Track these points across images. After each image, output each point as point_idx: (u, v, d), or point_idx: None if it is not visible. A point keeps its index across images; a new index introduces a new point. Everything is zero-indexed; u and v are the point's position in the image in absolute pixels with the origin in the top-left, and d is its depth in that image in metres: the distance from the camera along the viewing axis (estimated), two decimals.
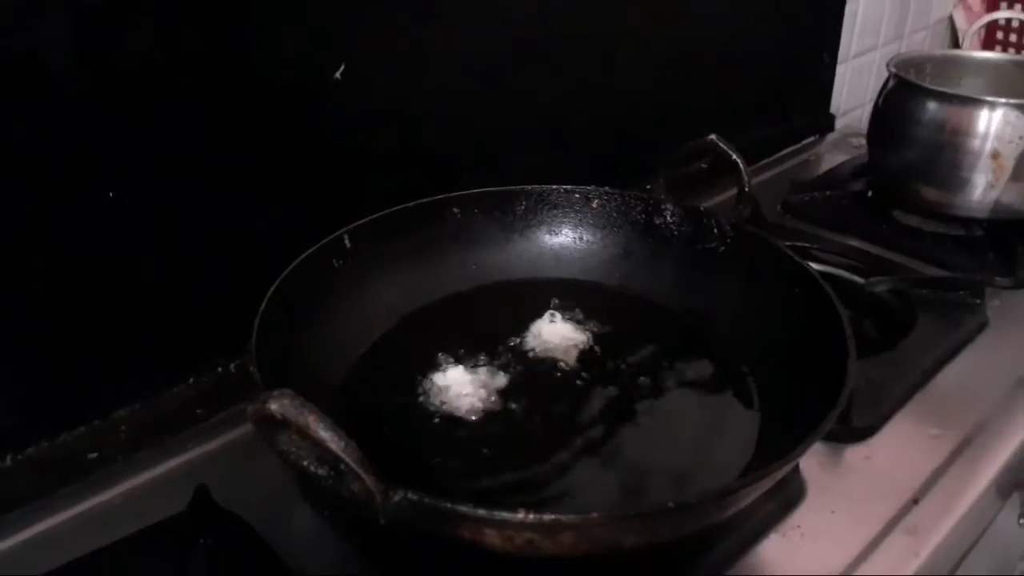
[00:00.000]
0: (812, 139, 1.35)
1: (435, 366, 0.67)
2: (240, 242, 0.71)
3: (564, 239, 0.79)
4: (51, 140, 0.60)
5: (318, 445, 0.43)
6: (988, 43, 1.62)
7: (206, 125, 0.67)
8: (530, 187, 0.78)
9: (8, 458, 0.63)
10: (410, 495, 0.44)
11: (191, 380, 0.72)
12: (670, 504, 0.43)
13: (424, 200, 0.75)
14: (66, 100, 0.60)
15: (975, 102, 0.93)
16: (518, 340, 0.72)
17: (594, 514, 0.43)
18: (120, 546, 0.58)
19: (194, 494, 0.60)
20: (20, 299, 0.62)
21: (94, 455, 0.68)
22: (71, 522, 0.64)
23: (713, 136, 0.71)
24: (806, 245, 0.96)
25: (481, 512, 0.43)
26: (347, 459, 0.42)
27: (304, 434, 0.42)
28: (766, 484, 0.49)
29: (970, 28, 1.49)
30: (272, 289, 0.61)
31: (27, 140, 0.59)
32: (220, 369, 0.74)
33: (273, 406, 0.41)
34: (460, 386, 0.65)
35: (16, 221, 0.60)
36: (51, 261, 0.63)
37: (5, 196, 0.59)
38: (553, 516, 0.43)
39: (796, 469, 0.65)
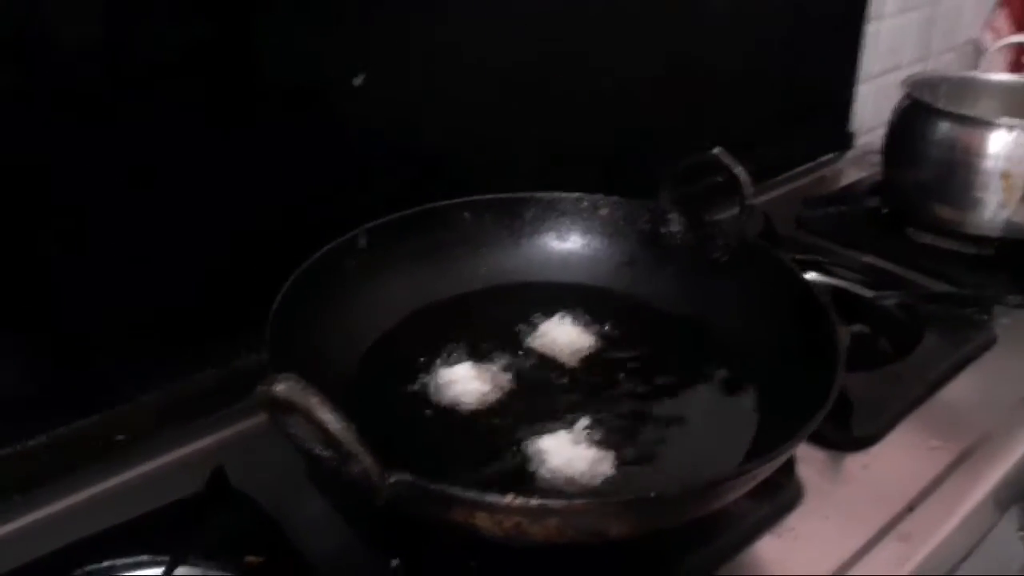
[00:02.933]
0: (830, 156, 1.35)
1: (442, 360, 0.70)
2: (260, 239, 0.74)
3: (572, 245, 0.81)
4: (76, 129, 0.63)
5: (321, 428, 0.46)
6: (1017, 66, 1.62)
7: (233, 127, 0.71)
8: (540, 194, 0.81)
9: (41, 437, 0.67)
10: (406, 477, 0.46)
11: (211, 370, 0.76)
12: (652, 494, 0.45)
13: (437, 204, 0.78)
14: (90, 91, 0.63)
15: (985, 124, 0.94)
16: (525, 340, 0.74)
17: (578, 500, 0.45)
18: (140, 521, 0.61)
19: (211, 475, 0.63)
20: (53, 290, 0.65)
21: (120, 437, 0.71)
22: (95, 498, 0.68)
23: (716, 150, 0.72)
24: (818, 259, 0.97)
25: (471, 495, 0.46)
26: (346, 441, 0.44)
27: (308, 417, 0.45)
28: (747, 481, 0.51)
29: (993, 47, 1.49)
30: (289, 282, 0.64)
31: (51, 127, 0.62)
32: (239, 361, 0.77)
33: (278, 388, 0.44)
34: (466, 381, 0.67)
35: (44, 209, 0.63)
36: (81, 252, 0.66)
37: (34, 184, 0.62)
38: (539, 501, 0.45)
39: (792, 473, 0.67)
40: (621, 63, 0.98)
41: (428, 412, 0.66)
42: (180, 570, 0.57)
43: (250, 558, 0.58)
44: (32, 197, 0.63)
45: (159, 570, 0.56)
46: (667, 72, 1.03)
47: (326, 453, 0.49)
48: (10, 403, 0.66)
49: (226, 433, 0.74)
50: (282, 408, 0.45)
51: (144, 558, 0.58)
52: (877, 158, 1.13)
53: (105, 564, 0.58)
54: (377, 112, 0.79)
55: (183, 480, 0.64)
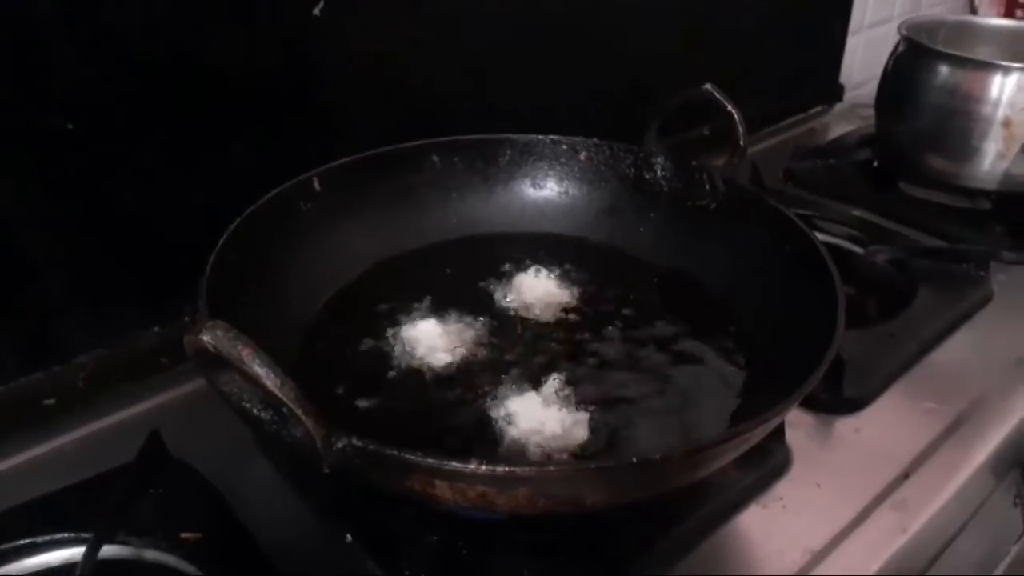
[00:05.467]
0: (819, 109, 1.31)
1: (407, 316, 0.64)
2: (212, 185, 0.68)
3: (549, 192, 0.75)
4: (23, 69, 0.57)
5: (257, 384, 0.40)
6: (1008, 14, 1.57)
7: (179, 62, 0.64)
8: (515, 136, 0.75)
9: None
10: (355, 441, 0.41)
11: (156, 328, 0.70)
12: (633, 459, 0.40)
13: (401, 145, 0.72)
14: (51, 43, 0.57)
15: (987, 66, 0.89)
16: (497, 294, 0.68)
17: (551, 467, 0.40)
18: (63, 495, 0.56)
19: (145, 441, 0.58)
20: None
21: (51, 401, 0.65)
22: (23, 466, 0.63)
23: (708, 85, 0.67)
24: (806, 213, 0.92)
25: (430, 461, 0.40)
26: (284, 398, 0.39)
27: (240, 371, 0.39)
28: (736, 447, 0.46)
29: None
30: (232, 227, 0.58)
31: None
32: (187, 318, 0.71)
33: (205, 337, 0.38)
34: (431, 338, 0.62)
35: None
36: (16, 201, 0.60)
37: None
38: (506, 467, 0.40)
39: (781, 439, 0.62)
40: (612, 12, 0.92)
41: (390, 372, 0.60)
42: (108, 548, 0.52)
43: (186, 534, 0.53)
44: None
45: (82, 548, 0.50)
46: (652, 21, 0.97)
47: (264, 414, 0.43)
48: None
49: (167, 397, 0.69)
50: (212, 360, 0.39)
51: (67, 535, 0.53)
52: (867, 112, 1.08)
53: (22, 543, 0.53)
54: (342, 47, 0.72)
55: (118, 449, 0.58)
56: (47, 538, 0.53)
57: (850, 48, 1.35)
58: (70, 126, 0.61)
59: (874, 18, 1.39)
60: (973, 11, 1.56)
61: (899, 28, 0.98)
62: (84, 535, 0.52)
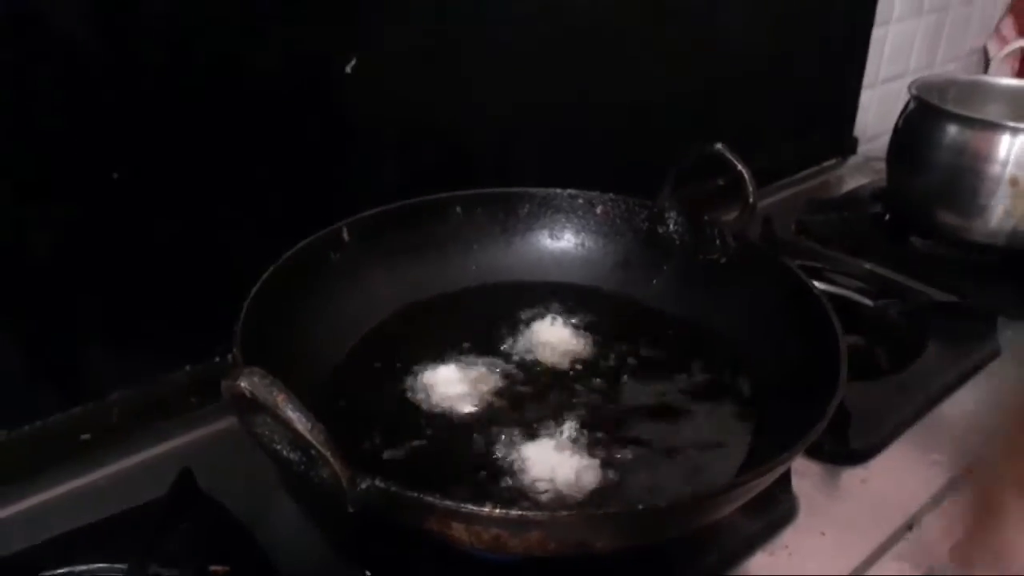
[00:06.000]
0: (833, 161, 1.33)
1: (426, 362, 0.67)
2: (243, 234, 0.71)
3: (566, 244, 0.79)
4: (60, 116, 0.61)
5: (288, 427, 0.43)
6: (1022, 73, 1.60)
7: (212, 113, 0.68)
8: (534, 190, 0.78)
9: (2, 433, 0.64)
10: (377, 483, 0.43)
11: (187, 368, 0.73)
12: (640, 507, 0.42)
13: (426, 197, 0.76)
14: (84, 81, 0.61)
15: (995, 126, 0.91)
16: (514, 341, 0.71)
17: (562, 512, 0.42)
18: (99, 526, 0.58)
19: (177, 477, 0.60)
20: (21, 280, 0.63)
21: (86, 436, 0.68)
22: (61, 498, 0.65)
23: (719, 145, 0.70)
24: (818, 265, 0.94)
25: (448, 504, 0.43)
26: (313, 441, 0.41)
27: (274, 414, 0.42)
28: (740, 495, 0.48)
29: (999, 53, 1.47)
30: (265, 276, 0.62)
31: (47, 123, 0.60)
32: (217, 359, 0.74)
33: (243, 383, 0.41)
34: (450, 383, 0.64)
35: (19, 198, 0.61)
36: (55, 242, 0.63)
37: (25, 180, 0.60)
38: (519, 512, 0.42)
39: (787, 488, 0.64)
40: (627, 65, 0.96)
41: (409, 415, 0.63)
42: None
43: (215, 567, 0.55)
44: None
45: None
46: (671, 74, 1.01)
47: (293, 456, 0.46)
48: None
49: (197, 435, 0.71)
50: (247, 404, 0.42)
51: (102, 566, 0.55)
52: (880, 165, 1.11)
53: (61, 571, 0.55)
54: (371, 103, 0.76)
55: (150, 483, 0.61)
56: (84, 568, 0.55)
57: (865, 102, 1.38)
58: (115, 175, 0.65)
59: (888, 73, 1.42)
60: (986, 69, 1.59)
61: (909, 87, 1.01)
62: (118, 566, 0.54)
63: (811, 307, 0.63)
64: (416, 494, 0.43)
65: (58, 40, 0.59)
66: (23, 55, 0.58)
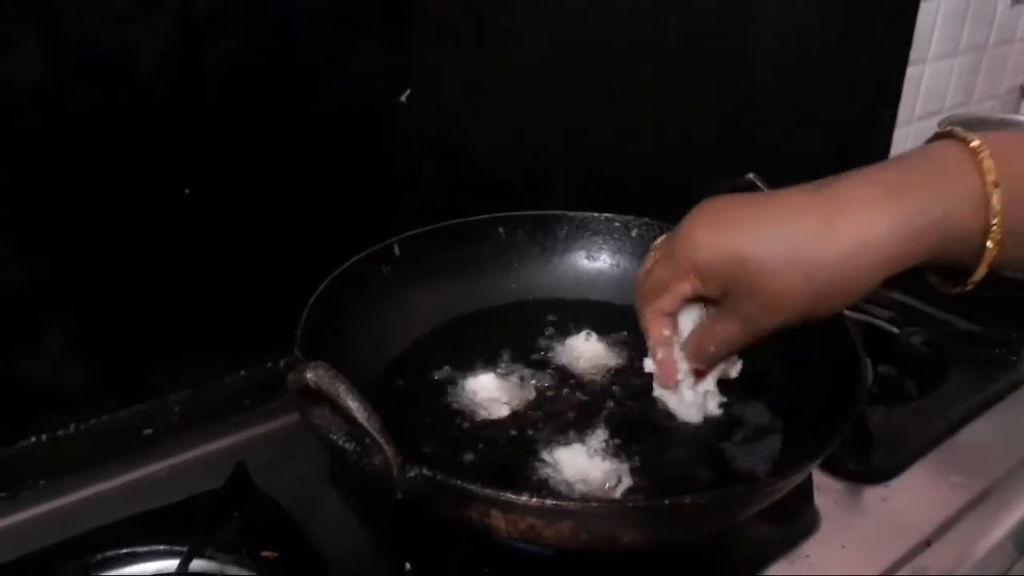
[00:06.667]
0: None
1: (468, 370, 0.71)
2: (298, 247, 0.76)
3: (602, 264, 0.82)
4: (133, 138, 0.66)
5: (347, 418, 0.47)
6: None
7: (275, 138, 0.73)
8: (572, 213, 0.82)
9: (72, 427, 0.70)
10: (425, 471, 0.47)
11: (242, 372, 0.78)
12: (665, 501, 0.46)
13: (472, 218, 0.80)
14: (151, 106, 0.66)
15: None
16: (551, 355, 0.75)
17: (592, 503, 0.45)
18: (160, 513, 0.63)
19: (233, 470, 0.65)
20: (88, 286, 0.68)
21: (148, 431, 0.73)
22: (125, 487, 0.70)
23: (751, 175, 0.73)
24: None
25: (488, 491, 0.46)
26: (371, 428, 0.46)
27: (335, 404, 0.46)
28: (760, 498, 0.51)
29: None
30: (323, 286, 0.66)
31: (106, 136, 0.65)
32: (270, 365, 0.79)
33: (309, 375, 0.46)
34: (489, 391, 0.68)
35: (94, 214, 0.66)
36: (124, 252, 0.68)
37: (82, 191, 0.65)
38: (554, 500, 0.46)
39: (809, 501, 0.67)
40: (667, 95, 1.00)
41: (449, 419, 0.66)
42: (197, 562, 0.58)
43: (266, 553, 0.59)
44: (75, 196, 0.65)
45: (176, 561, 0.57)
46: (705, 109, 1.05)
47: (348, 445, 0.50)
48: (44, 394, 0.68)
49: (251, 433, 0.76)
50: (311, 394, 0.47)
51: (162, 548, 0.59)
52: None
53: (124, 551, 0.59)
54: (423, 128, 0.81)
55: (206, 476, 0.65)
56: (145, 549, 0.59)
57: (900, 138, 1.40)
58: (187, 191, 0.70)
59: (924, 111, 1.44)
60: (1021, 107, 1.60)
61: (939, 125, 1.04)
62: (177, 548, 0.58)
63: (835, 329, 0.66)
64: (459, 481, 0.47)
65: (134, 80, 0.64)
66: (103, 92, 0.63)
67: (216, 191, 0.71)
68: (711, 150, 1.05)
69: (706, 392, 0.64)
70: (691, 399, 0.63)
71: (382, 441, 0.46)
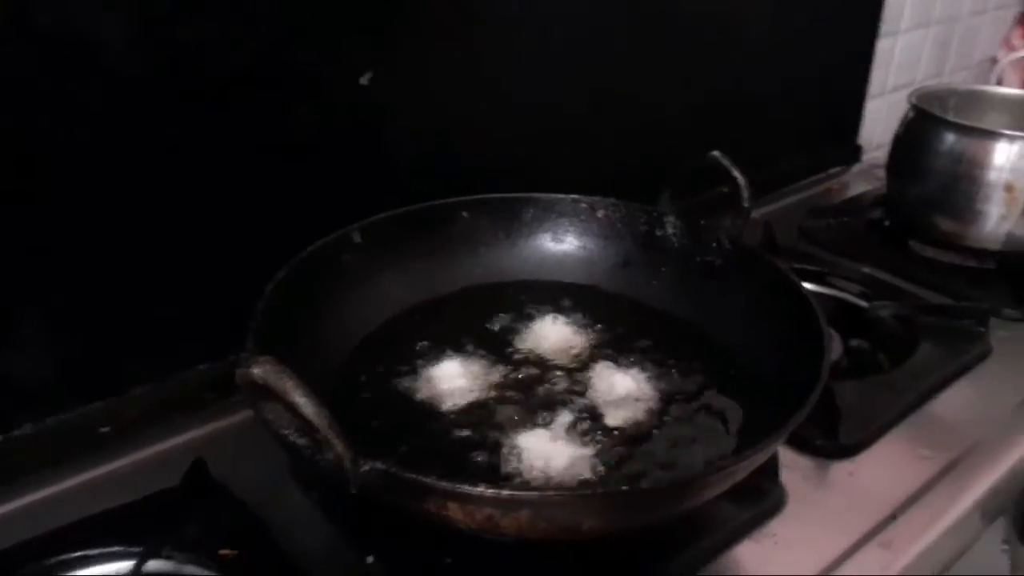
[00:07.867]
0: (837, 169, 1.35)
1: (431, 357, 0.70)
2: (259, 237, 0.74)
3: (568, 246, 0.81)
4: (91, 129, 0.64)
5: (296, 412, 0.46)
6: None
7: (231, 121, 0.71)
8: (538, 195, 0.81)
9: (28, 426, 0.68)
10: (378, 465, 0.46)
11: (202, 366, 0.76)
12: (624, 488, 0.45)
13: (435, 202, 0.79)
14: (109, 94, 0.64)
15: (991, 134, 0.94)
16: (516, 338, 0.74)
17: (549, 492, 0.45)
18: (115, 513, 0.61)
19: (190, 467, 0.63)
20: (46, 281, 0.66)
21: (106, 429, 0.71)
22: (81, 486, 0.68)
23: (715, 153, 0.72)
24: (818, 269, 0.97)
25: (443, 484, 0.45)
26: (320, 426, 0.44)
27: (283, 400, 0.45)
28: (721, 480, 0.50)
29: (1003, 61, 1.48)
30: (279, 275, 0.65)
31: (62, 126, 0.63)
32: (232, 358, 0.77)
33: (256, 371, 0.44)
34: (452, 378, 0.67)
35: (47, 210, 0.64)
36: (77, 247, 0.67)
37: (37, 187, 0.63)
38: (510, 492, 0.45)
39: (776, 479, 0.66)
40: (635, 76, 0.98)
41: (412, 407, 0.66)
42: (153, 563, 0.57)
43: (224, 551, 0.58)
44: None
45: (132, 562, 0.56)
46: (678, 84, 1.04)
47: (301, 441, 0.49)
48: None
49: (210, 428, 0.74)
50: (259, 391, 0.45)
51: (117, 549, 0.58)
52: (883, 172, 1.13)
53: (77, 554, 0.58)
54: (381, 112, 0.79)
55: (165, 473, 0.64)
56: (100, 551, 0.58)
57: (872, 110, 1.39)
58: (144, 183, 0.68)
59: (896, 83, 1.43)
60: (999, 81, 1.59)
61: (909, 97, 1.03)
62: (133, 549, 0.57)
63: (799, 305, 0.65)
64: (414, 475, 0.46)
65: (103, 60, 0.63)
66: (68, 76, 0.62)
67: (174, 182, 0.69)
68: (684, 131, 1.04)
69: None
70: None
71: (331, 436, 0.44)
